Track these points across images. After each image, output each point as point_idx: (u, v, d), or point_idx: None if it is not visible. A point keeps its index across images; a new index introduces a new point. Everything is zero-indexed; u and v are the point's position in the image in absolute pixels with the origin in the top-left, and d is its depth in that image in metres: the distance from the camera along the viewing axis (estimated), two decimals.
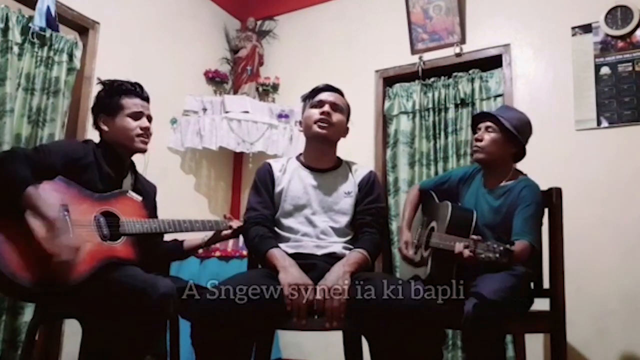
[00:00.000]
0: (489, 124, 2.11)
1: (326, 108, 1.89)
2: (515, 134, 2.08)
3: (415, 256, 2.15)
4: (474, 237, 1.70)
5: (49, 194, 1.67)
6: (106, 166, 1.88)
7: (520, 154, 2.14)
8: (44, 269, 1.59)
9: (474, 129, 2.21)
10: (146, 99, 2.00)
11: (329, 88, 1.97)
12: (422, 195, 2.34)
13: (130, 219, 1.84)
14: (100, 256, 1.70)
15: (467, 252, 1.72)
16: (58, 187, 1.71)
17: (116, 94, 1.94)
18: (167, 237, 2.11)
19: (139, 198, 1.93)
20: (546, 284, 2.11)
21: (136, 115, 1.93)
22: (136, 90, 1.98)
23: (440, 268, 1.99)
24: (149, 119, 1.98)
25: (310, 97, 1.97)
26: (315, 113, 1.90)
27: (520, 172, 2.18)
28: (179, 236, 2.10)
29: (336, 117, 1.91)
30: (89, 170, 1.81)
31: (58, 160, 1.74)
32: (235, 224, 2.07)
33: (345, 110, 1.98)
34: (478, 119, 2.19)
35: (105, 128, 1.93)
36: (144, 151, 1.97)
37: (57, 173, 1.72)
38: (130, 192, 1.93)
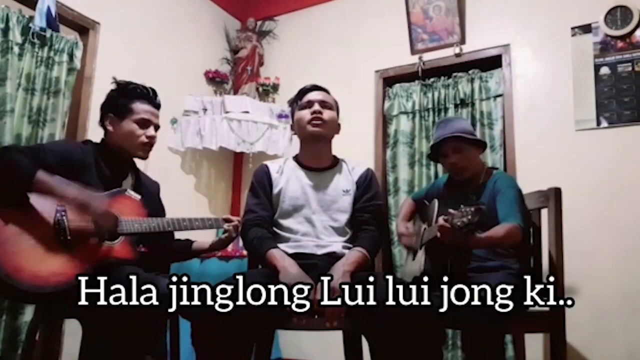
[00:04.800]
0: (454, 145, 2.14)
1: (316, 107, 1.91)
2: (475, 140, 2.16)
3: (416, 239, 2.19)
4: (452, 210, 1.73)
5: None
6: (105, 167, 1.87)
7: (484, 147, 2.23)
8: (42, 269, 1.58)
9: (434, 155, 2.26)
10: (157, 106, 1.98)
11: (315, 88, 1.99)
12: (416, 204, 2.42)
13: (128, 218, 1.82)
14: (98, 257, 1.70)
15: (446, 224, 1.76)
16: None
17: (128, 97, 1.92)
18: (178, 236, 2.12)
19: (138, 196, 1.92)
20: None
21: (144, 123, 1.91)
22: (149, 96, 1.95)
23: (433, 263, 2.01)
24: (156, 128, 1.96)
25: (298, 100, 1.99)
26: (306, 114, 1.92)
27: (494, 168, 2.28)
28: (181, 235, 2.10)
29: (327, 114, 1.92)
30: (88, 171, 1.80)
31: (54, 159, 1.72)
32: (236, 218, 2.06)
33: (335, 107, 2.00)
34: (438, 146, 2.19)
35: (110, 129, 1.91)
36: (143, 158, 1.97)
37: (54, 173, 1.69)
38: (128, 190, 1.91)
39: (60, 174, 1.70)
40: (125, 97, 1.93)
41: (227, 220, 2.06)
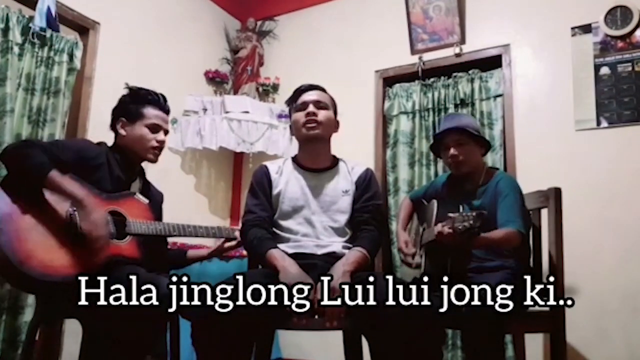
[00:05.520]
0: (457, 137, 2.14)
1: (310, 108, 1.90)
2: (480, 136, 2.17)
3: (416, 257, 2.17)
4: (451, 214, 1.73)
5: None
6: (117, 169, 1.92)
7: (487, 149, 2.23)
8: (53, 259, 1.62)
9: (436, 148, 2.25)
10: (167, 111, 2.05)
11: (309, 87, 1.98)
12: (414, 204, 2.41)
13: (136, 219, 1.87)
14: (106, 253, 1.72)
15: (446, 229, 1.76)
16: None
17: (139, 102, 1.99)
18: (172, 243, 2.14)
19: (146, 201, 1.97)
20: None
21: (154, 128, 1.98)
22: (160, 101, 2.02)
23: (433, 264, 2.01)
24: (166, 132, 2.03)
25: (293, 101, 1.98)
26: (301, 116, 1.91)
27: (495, 169, 2.27)
28: (183, 240, 2.12)
29: (322, 114, 1.91)
30: (100, 170, 1.85)
31: (71, 156, 1.78)
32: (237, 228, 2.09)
33: (331, 105, 1.98)
34: (441, 137, 2.19)
35: (122, 132, 1.97)
36: (153, 162, 2.02)
37: (68, 169, 1.74)
38: (137, 194, 1.97)
39: (75, 171, 1.75)
40: (137, 102, 1.99)
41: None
